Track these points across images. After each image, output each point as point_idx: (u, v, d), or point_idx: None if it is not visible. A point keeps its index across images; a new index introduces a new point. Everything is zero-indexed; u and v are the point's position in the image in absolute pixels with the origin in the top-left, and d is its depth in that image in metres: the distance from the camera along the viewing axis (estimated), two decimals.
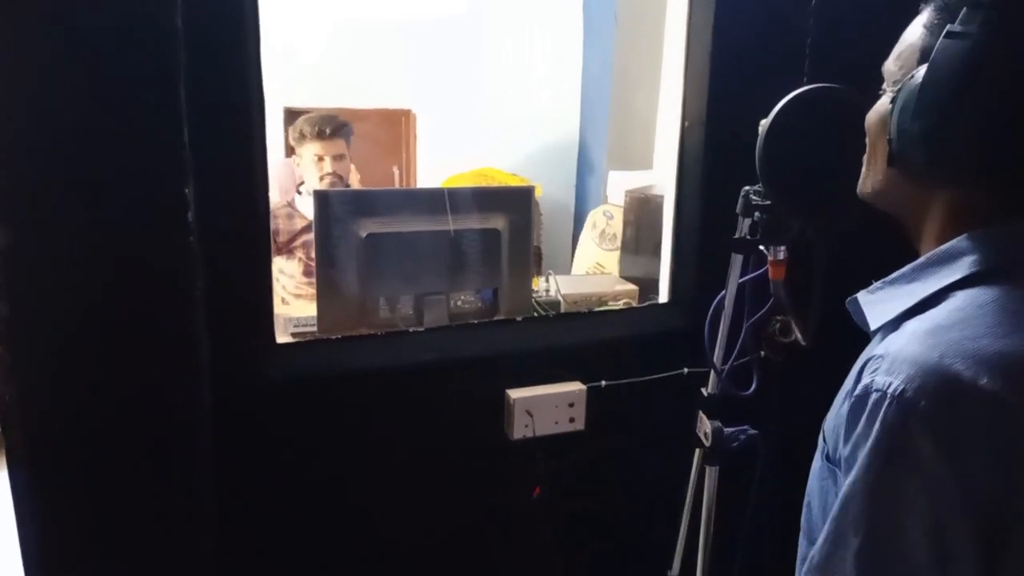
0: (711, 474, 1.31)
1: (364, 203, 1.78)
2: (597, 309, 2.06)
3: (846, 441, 0.72)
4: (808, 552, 0.82)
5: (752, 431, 1.27)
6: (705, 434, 1.30)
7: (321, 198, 1.74)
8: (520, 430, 1.69)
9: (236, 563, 1.53)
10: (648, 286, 2.13)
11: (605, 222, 2.79)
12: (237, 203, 1.44)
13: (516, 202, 1.88)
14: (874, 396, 0.68)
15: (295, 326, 2.00)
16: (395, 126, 3.14)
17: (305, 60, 2.97)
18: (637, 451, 1.81)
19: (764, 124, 0.96)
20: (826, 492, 0.82)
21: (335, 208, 1.74)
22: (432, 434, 1.67)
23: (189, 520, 1.48)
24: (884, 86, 0.80)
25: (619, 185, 2.99)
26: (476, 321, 1.79)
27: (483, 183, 3.09)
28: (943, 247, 0.75)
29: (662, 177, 2.82)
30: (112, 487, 1.35)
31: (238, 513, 1.54)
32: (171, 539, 1.43)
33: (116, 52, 1.21)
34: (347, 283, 1.77)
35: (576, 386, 1.75)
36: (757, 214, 1.07)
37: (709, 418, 1.29)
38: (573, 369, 1.77)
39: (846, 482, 0.71)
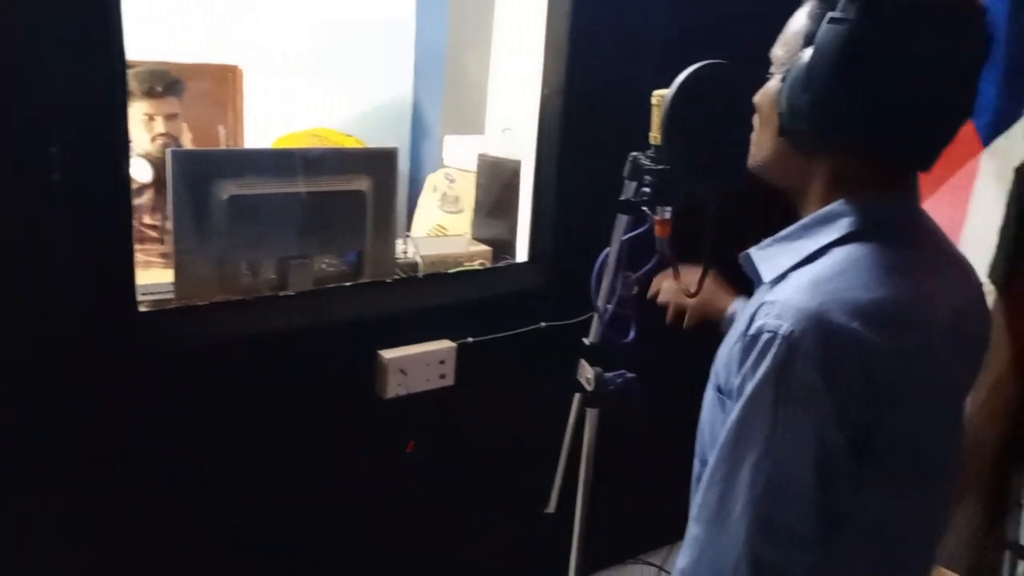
0: (591, 416, 1.43)
1: (226, 164, 1.71)
2: (454, 270, 2.11)
3: (738, 373, 0.84)
4: (702, 472, 0.95)
5: (629, 375, 1.40)
6: (587, 379, 1.41)
7: (179, 159, 1.66)
8: (394, 389, 1.73)
9: (110, 532, 1.48)
10: (501, 247, 2.21)
11: (447, 185, 2.83)
12: (99, 166, 1.36)
13: (380, 164, 1.89)
14: (766, 336, 0.80)
15: (142, 294, 1.89)
16: (221, 83, 2.98)
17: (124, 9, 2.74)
18: (505, 401, 1.91)
19: (666, 95, 1.05)
20: (714, 419, 0.94)
21: (194, 169, 1.67)
22: (306, 397, 1.67)
23: (65, 495, 1.41)
24: (772, 70, 0.92)
25: (455, 149, 3.03)
26: (348, 284, 1.79)
27: (316, 143, 3.02)
28: (823, 210, 0.88)
29: (495, 142, 2.90)
30: None
31: (109, 482, 1.48)
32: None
33: None
34: (207, 248, 1.71)
35: (446, 344, 1.81)
36: (647, 177, 1.17)
37: (591, 364, 1.40)
38: (441, 328, 1.82)
39: (737, 406, 0.82)
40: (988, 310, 1.00)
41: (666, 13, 1.84)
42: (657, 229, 1.18)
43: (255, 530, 1.67)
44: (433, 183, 2.92)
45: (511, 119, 3.18)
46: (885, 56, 0.80)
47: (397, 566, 1.91)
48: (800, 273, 0.86)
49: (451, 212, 2.79)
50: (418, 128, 3.46)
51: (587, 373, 1.40)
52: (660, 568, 2.06)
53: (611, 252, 1.34)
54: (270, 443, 1.64)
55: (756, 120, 0.94)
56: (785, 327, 0.79)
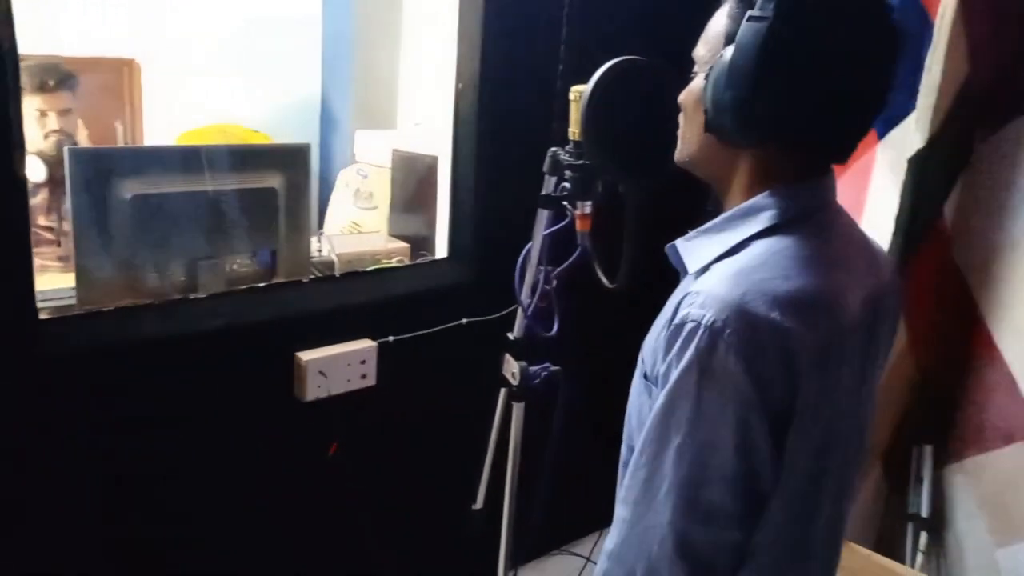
0: (517, 410, 1.43)
1: (128, 162, 1.64)
2: (372, 268, 2.08)
3: (664, 360, 0.86)
4: (629, 456, 0.97)
5: (553, 367, 1.41)
6: (512, 374, 1.41)
7: (78, 158, 1.57)
8: (314, 391, 1.70)
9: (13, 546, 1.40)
10: (419, 243, 2.19)
11: (360, 181, 2.78)
12: None
13: (293, 160, 1.84)
14: (690, 325, 0.83)
15: (41, 300, 1.79)
16: (117, 78, 2.84)
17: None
18: (428, 398, 1.89)
19: (584, 91, 1.05)
20: (642, 405, 0.97)
21: (94, 168, 1.59)
22: (222, 402, 1.62)
23: None
24: (695, 69, 0.94)
25: (367, 144, 2.99)
26: (262, 284, 1.74)
27: (222, 140, 2.92)
28: (747, 203, 0.91)
29: (408, 136, 2.87)
30: None
31: (11, 497, 1.40)
32: None
33: None
34: (110, 251, 1.63)
35: (366, 343, 1.78)
36: (568, 172, 1.17)
37: (515, 359, 1.41)
38: (361, 327, 1.80)
39: (663, 391, 0.85)
40: (899, 294, 1.04)
41: (567, 9, 1.84)
42: (578, 223, 1.20)
43: (172, 542, 1.61)
44: (345, 179, 2.87)
45: (423, 113, 3.15)
46: (803, 52, 0.83)
47: (325, 569, 1.87)
48: (723, 264, 0.88)
49: (365, 208, 2.75)
50: (327, 123, 3.40)
51: (512, 368, 1.41)
52: (588, 559, 2.08)
53: (533, 247, 1.34)
54: (185, 451, 1.59)
55: (681, 117, 0.96)
56: (708, 316, 0.81)
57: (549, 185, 1.28)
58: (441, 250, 2.04)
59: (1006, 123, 1.85)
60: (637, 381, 0.99)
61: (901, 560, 1.90)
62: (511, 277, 1.81)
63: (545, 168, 1.25)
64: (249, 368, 1.65)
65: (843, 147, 0.90)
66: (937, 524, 1.94)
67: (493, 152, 1.88)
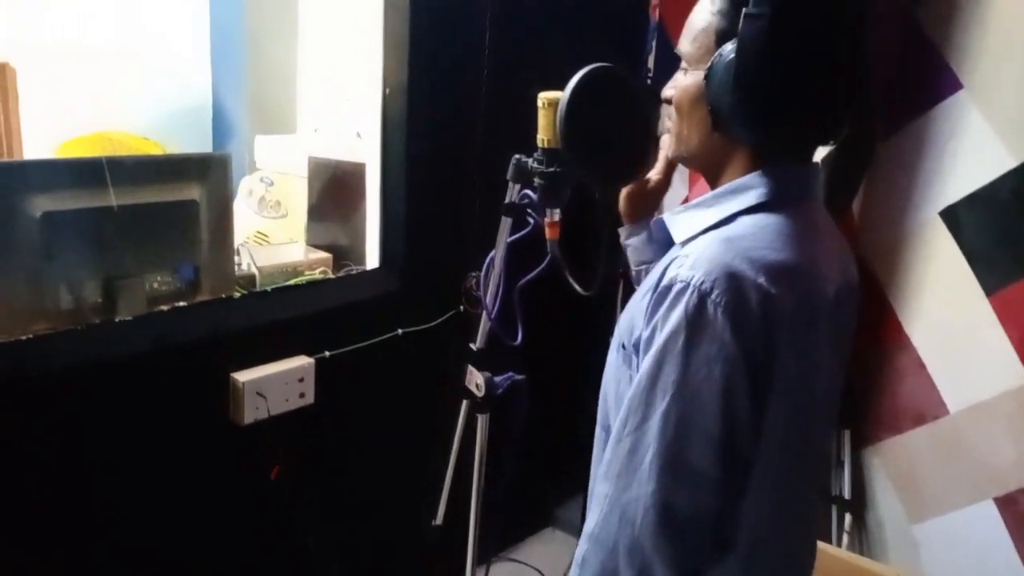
0: (482, 422, 1.41)
1: (38, 176, 1.51)
2: (296, 280, 2.00)
3: (647, 324, 0.87)
4: (605, 438, 0.98)
5: (518, 377, 1.39)
6: (477, 385, 1.38)
7: None
8: (252, 414, 1.62)
9: None
10: (341, 253, 2.12)
11: (264, 189, 2.67)
12: None
13: (213, 170, 1.75)
14: (679, 286, 0.84)
15: None
16: None
17: None
18: (370, 412, 1.84)
19: (561, 98, 1.04)
20: (619, 379, 0.97)
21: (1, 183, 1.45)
22: (155, 432, 1.51)
23: None
24: (683, 65, 0.95)
25: (268, 150, 2.88)
26: (189, 303, 1.64)
27: (111, 149, 2.72)
28: (737, 181, 0.93)
29: (315, 142, 2.77)
30: None
31: None
32: None
33: None
34: (20, 273, 1.50)
35: (303, 360, 1.72)
36: (537, 180, 1.16)
37: (479, 370, 1.38)
38: (296, 343, 1.73)
39: (649, 354, 0.85)
40: (859, 287, 1.08)
41: (491, 11, 1.82)
42: (548, 231, 1.19)
43: None
44: (248, 187, 2.73)
45: (324, 116, 3.04)
46: (805, 43, 0.85)
47: None
48: (712, 234, 0.90)
49: (273, 218, 2.63)
50: (221, 128, 3.23)
51: (476, 379, 1.38)
52: (539, 571, 2.06)
53: (496, 255, 1.33)
54: (119, 488, 1.47)
55: (673, 114, 0.97)
56: (697, 277, 0.83)
57: (513, 193, 1.26)
58: (372, 260, 1.99)
59: (901, 128, 1.98)
60: (613, 356, 1.00)
61: (827, 540, 2.00)
62: (445, 285, 1.79)
63: (509, 176, 1.23)
64: (181, 393, 1.55)
65: (837, 126, 0.92)
66: (858, 504, 2.05)
67: (423, 158, 1.85)
